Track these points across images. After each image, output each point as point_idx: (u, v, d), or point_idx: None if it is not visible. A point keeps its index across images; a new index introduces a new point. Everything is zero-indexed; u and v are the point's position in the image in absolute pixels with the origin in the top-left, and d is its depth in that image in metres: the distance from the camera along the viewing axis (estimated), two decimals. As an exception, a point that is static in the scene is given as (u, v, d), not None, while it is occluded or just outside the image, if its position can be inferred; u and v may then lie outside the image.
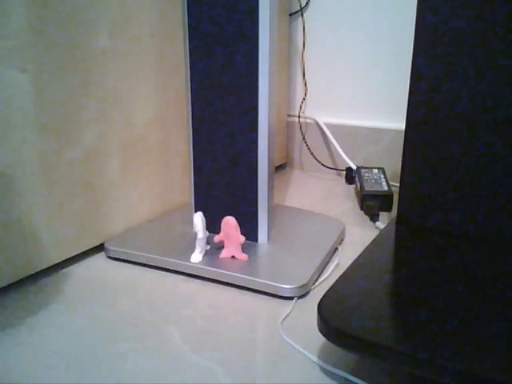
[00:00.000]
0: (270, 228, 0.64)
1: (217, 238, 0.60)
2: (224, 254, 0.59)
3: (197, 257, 0.59)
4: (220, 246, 0.60)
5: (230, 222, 0.58)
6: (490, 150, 0.52)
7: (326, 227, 0.69)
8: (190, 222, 0.69)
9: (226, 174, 0.62)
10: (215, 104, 0.60)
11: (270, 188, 0.63)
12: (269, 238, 0.64)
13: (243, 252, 0.59)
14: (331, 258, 0.64)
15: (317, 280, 0.58)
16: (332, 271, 0.60)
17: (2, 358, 0.45)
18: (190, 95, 0.61)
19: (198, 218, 0.58)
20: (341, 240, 0.68)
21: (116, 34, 0.61)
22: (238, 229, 0.58)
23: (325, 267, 0.61)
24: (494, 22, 0.49)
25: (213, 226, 0.64)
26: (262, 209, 0.62)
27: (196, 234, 0.59)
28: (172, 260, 0.59)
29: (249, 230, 0.63)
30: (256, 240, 0.63)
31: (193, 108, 0.62)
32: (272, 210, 0.65)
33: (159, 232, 0.67)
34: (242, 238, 0.58)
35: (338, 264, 0.62)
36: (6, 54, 0.50)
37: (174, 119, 0.74)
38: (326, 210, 0.80)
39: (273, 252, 0.61)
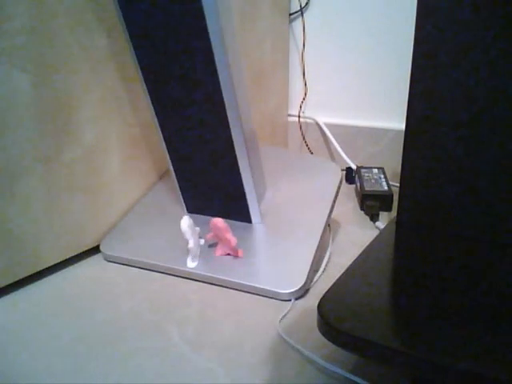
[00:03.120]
0: (262, 196, 0.63)
1: (209, 237, 0.59)
2: (219, 252, 0.59)
3: (192, 262, 0.58)
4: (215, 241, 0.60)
5: (219, 226, 0.56)
6: (490, 149, 0.52)
7: (322, 181, 0.67)
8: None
9: (207, 169, 0.61)
10: (178, 103, 0.57)
11: (256, 171, 0.61)
12: (262, 217, 0.63)
13: (238, 248, 0.58)
14: (327, 233, 0.63)
15: (314, 275, 0.58)
16: (326, 264, 0.60)
17: (2, 358, 0.45)
18: (150, 102, 0.59)
19: (185, 226, 0.56)
20: (339, 187, 0.67)
21: (115, 33, 0.61)
22: (229, 229, 0.57)
23: (320, 254, 0.61)
24: (495, 21, 0.49)
25: (204, 210, 0.63)
26: (250, 195, 0.61)
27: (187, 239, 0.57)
28: (168, 266, 0.59)
29: (241, 213, 0.62)
30: (250, 221, 0.63)
31: (156, 111, 0.59)
32: (262, 173, 0.64)
33: (155, 229, 0.65)
34: (234, 241, 0.57)
35: (330, 257, 0.62)
36: (6, 54, 0.50)
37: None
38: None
39: (267, 240, 0.60)
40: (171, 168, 0.64)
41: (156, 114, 0.60)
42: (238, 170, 0.59)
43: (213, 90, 0.54)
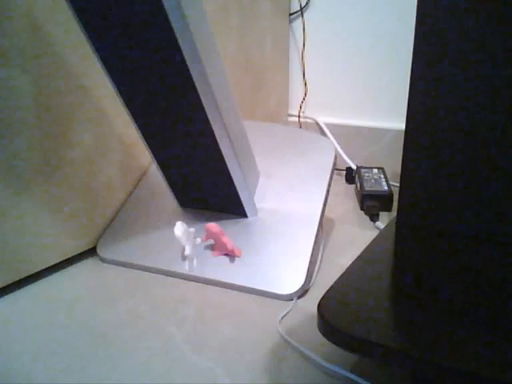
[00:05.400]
0: (255, 188, 0.62)
1: (204, 239, 0.59)
2: (216, 253, 0.59)
3: (190, 265, 0.58)
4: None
5: (214, 231, 0.56)
6: (490, 149, 0.52)
7: (316, 162, 0.65)
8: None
9: (196, 170, 0.59)
10: (155, 108, 0.54)
11: (247, 168, 0.60)
12: (257, 209, 0.62)
13: (235, 248, 0.57)
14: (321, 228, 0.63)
15: (313, 274, 0.58)
16: (326, 264, 0.60)
17: (1, 358, 0.45)
18: (130, 115, 0.56)
19: (179, 232, 0.55)
20: (334, 168, 0.65)
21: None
22: (224, 233, 0.57)
23: (317, 251, 0.60)
24: (495, 22, 0.49)
25: (197, 205, 0.62)
26: (243, 194, 0.59)
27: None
28: (166, 269, 0.59)
29: (236, 208, 0.61)
30: (246, 216, 0.62)
31: (135, 120, 0.56)
32: (254, 167, 0.62)
33: (149, 226, 0.64)
34: (231, 244, 0.56)
35: (323, 252, 0.62)
36: (6, 54, 0.50)
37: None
38: (326, 210, 0.80)
39: (263, 237, 0.59)
40: (157, 166, 0.62)
41: (130, 112, 0.56)
42: (228, 172, 0.58)
43: (185, 86, 0.50)
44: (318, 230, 0.59)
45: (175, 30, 0.45)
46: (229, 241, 0.56)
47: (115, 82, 0.53)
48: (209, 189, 0.62)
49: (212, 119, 0.53)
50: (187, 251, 0.56)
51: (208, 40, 0.51)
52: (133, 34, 0.48)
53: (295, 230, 0.59)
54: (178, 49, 0.47)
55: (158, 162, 0.61)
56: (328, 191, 0.63)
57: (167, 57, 0.48)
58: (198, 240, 0.60)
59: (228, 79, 0.56)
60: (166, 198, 0.67)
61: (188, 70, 0.48)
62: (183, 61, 0.48)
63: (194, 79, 0.49)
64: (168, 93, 0.52)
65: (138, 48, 0.49)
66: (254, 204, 0.62)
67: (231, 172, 0.58)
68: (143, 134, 0.58)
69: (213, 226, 0.56)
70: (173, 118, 0.55)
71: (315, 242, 0.58)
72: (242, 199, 0.60)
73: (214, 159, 0.57)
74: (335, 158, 0.66)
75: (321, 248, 0.62)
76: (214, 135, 0.54)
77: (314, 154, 0.67)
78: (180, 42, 0.46)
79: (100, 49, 0.50)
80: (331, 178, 0.64)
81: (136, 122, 0.57)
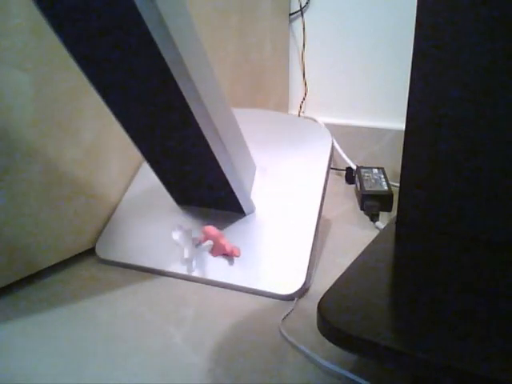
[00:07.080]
0: (251, 183, 0.62)
1: (202, 240, 0.58)
2: (215, 253, 0.58)
3: (189, 266, 0.57)
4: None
5: (212, 234, 0.56)
6: (490, 149, 0.52)
7: (312, 152, 0.64)
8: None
9: (189, 168, 0.58)
10: (137, 107, 0.51)
11: (242, 164, 0.59)
12: (254, 205, 0.62)
13: (234, 248, 0.57)
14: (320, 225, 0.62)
15: (312, 272, 0.58)
16: (327, 264, 0.60)
17: (1, 359, 0.45)
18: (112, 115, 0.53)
19: (177, 237, 0.55)
20: (331, 157, 0.64)
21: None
22: (223, 235, 0.56)
23: (316, 249, 0.60)
24: (494, 21, 0.49)
25: (194, 202, 0.62)
26: (240, 192, 0.59)
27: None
28: (166, 270, 0.58)
29: (233, 205, 0.61)
30: (243, 212, 0.62)
31: (121, 121, 0.54)
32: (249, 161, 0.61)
33: (148, 225, 0.64)
34: (230, 246, 0.56)
35: (322, 248, 0.62)
36: (6, 54, 0.50)
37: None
38: (325, 210, 0.80)
39: (262, 236, 0.59)
40: (149, 166, 0.60)
41: (117, 117, 0.54)
42: (223, 171, 0.56)
43: (165, 80, 0.46)
44: (317, 227, 0.59)
45: (145, 20, 0.40)
46: (227, 243, 0.56)
47: (96, 86, 0.50)
48: (204, 187, 0.61)
49: (199, 119, 0.50)
50: (186, 254, 0.56)
51: (188, 32, 0.47)
52: (106, 32, 0.43)
53: (293, 227, 0.59)
54: (153, 44, 0.43)
55: (149, 162, 0.60)
56: (326, 180, 0.62)
57: (142, 53, 0.44)
58: (197, 240, 0.60)
59: (213, 71, 0.52)
60: (163, 195, 0.66)
61: (166, 65, 0.45)
62: (158, 52, 0.44)
63: (175, 76, 0.46)
64: (146, 87, 0.49)
65: (114, 45, 0.45)
66: (251, 201, 0.61)
67: (225, 172, 0.57)
68: (131, 136, 0.57)
69: (211, 229, 0.56)
70: (156, 116, 0.53)
71: (314, 239, 0.58)
72: (239, 197, 0.60)
73: (207, 159, 0.56)
74: (332, 147, 0.65)
75: (319, 245, 0.62)
76: (203, 136, 0.52)
77: (310, 144, 0.66)
78: (157, 40, 0.42)
79: (65, 38, 0.46)
80: (329, 168, 0.63)
81: (122, 124, 0.55)
